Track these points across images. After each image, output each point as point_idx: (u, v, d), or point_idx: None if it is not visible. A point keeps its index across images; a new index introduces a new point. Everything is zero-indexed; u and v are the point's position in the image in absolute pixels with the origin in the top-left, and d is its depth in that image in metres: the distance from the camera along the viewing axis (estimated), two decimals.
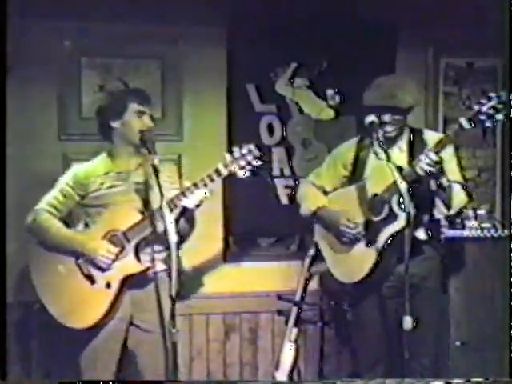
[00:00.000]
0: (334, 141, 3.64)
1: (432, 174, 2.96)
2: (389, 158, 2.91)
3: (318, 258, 3.48)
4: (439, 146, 2.95)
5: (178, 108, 3.99)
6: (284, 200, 4.09)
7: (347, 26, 4.06)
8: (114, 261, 2.93)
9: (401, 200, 3.03)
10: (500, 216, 4.29)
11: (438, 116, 4.30)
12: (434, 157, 2.92)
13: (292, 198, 3.85)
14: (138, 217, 2.94)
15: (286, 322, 3.76)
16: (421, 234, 3.17)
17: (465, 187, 3.20)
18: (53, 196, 3.07)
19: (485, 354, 3.70)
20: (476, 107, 2.89)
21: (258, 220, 4.05)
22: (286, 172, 4.13)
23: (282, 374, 3.68)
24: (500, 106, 2.85)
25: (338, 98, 4.14)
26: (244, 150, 2.88)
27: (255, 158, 2.87)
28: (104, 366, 3.02)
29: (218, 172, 2.87)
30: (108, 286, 2.93)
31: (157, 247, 3.01)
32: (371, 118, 3.10)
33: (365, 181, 3.23)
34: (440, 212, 3.17)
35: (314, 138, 4.16)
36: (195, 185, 2.87)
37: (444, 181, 3.03)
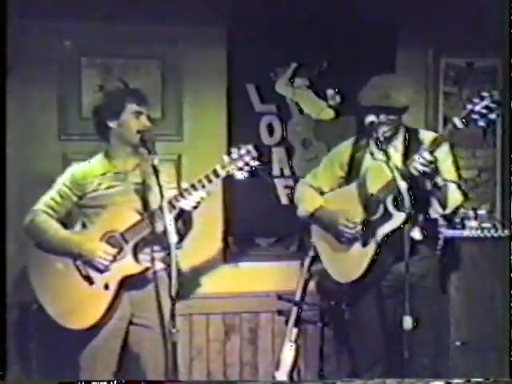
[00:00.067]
0: (334, 141, 3.63)
1: (426, 174, 2.96)
2: (389, 158, 2.92)
3: (317, 258, 3.49)
4: (433, 145, 2.96)
5: (178, 108, 3.99)
6: (284, 200, 4.09)
7: (347, 26, 4.06)
8: (112, 262, 2.93)
9: (396, 199, 3.07)
10: (500, 216, 4.29)
11: (438, 116, 4.30)
12: (429, 156, 2.93)
13: (292, 198, 3.85)
14: (136, 217, 2.93)
15: (286, 322, 3.76)
16: (416, 234, 3.18)
17: (460, 186, 3.21)
18: (50, 197, 3.06)
19: (485, 354, 3.70)
20: (469, 106, 2.90)
21: (258, 220, 4.05)
22: (286, 172, 4.13)
23: (282, 374, 3.69)
24: (493, 106, 2.85)
25: (338, 98, 4.15)
26: (242, 151, 2.87)
27: (253, 158, 2.87)
28: (104, 366, 3.02)
29: (215, 173, 2.87)
30: (106, 287, 2.93)
31: (156, 247, 3.00)
32: (371, 118, 3.11)
33: (360, 180, 3.24)
34: (435, 211, 3.17)
35: (314, 137, 4.16)
36: (193, 186, 2.87)
37: (439, 180, 3.03)
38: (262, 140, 4.08)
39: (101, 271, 2.93)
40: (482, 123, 2.89)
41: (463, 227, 3.89)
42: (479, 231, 3.83)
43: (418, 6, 3.99)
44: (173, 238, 2.62)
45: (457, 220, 3.95)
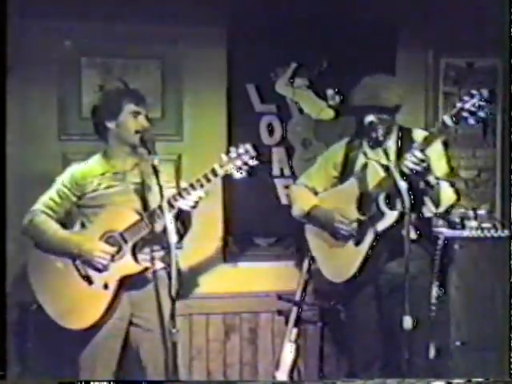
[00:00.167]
0: (334, 141, 3.63)
1: (418, 172, 2.97)
2: (389, 158, 2.92)
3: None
4: (424, 143, 2.96)
5: (178, 108, 3.99)
6: (284, 200, 4.09)
7: (347, 26, 4.06)
8: (111, 261, 2.93)
9: (388, 198, 3.08)
10: (500, 216, 4.29)
11: (438, 116, 4.30)
12: (420, 154, 2.93)
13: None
14: (135, 217, 2.93)
15: (286, 322, 3.76)
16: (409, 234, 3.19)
17: (453, 184, 3.22)
18: (49, 197, 3.06)
19: (485, 354, 3.70)
20: (459, 104, 2.91)
21: (258, 220, 4.05)
22: (286, 172, 4.13)
23: (282, 374, 3.69)
24: (482, 103, 2.86)
25: (337, 98, 4.15)
26: (240, 150, 2.87)
27: (252, 157, 2.87)
28: (104, 366, 3.02)
29: (214, 172, 2.87)
30: (106, 286, 2.93)
31: (156, 247, 3.01)
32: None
33: (353, 180, 3.25)
34: (429, 210, 3.18)
35: (314, 137, 4.16)
36: (191, 185, 2.87)
37: (431, 179, 3.03)
38: (262, 140, 4.08)
39: (100, 270, 2.93)
40: (471, 121, 2.90)
41: (463, 227, 3.88)
42: (479, 231, 3.83)
43: (418, 6, 3.99)
44: (173, 237, 2.62)
45: (457, 220, 3.95)
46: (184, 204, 2.86)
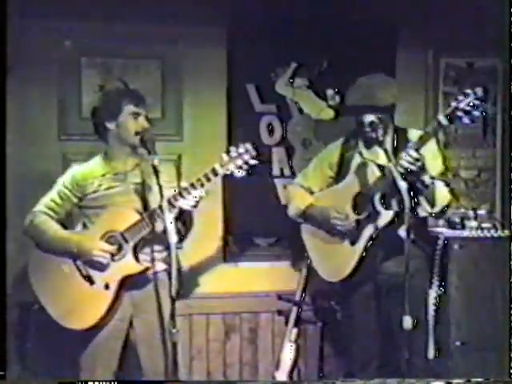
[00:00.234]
0: (334, 141, 3.63)
1: (413, 172, 2.96)
2: (389, 158, 2.93)
3: None
4: (419, 142, 2.97)
5: (178, 108, 3.99)
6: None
7: (347, 26, 4.06)
8: (111, 260, 2.93)
9: (383, 197, 3.09)
10: (500, 216, 4.29)
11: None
12: (415, 154, 2.94)
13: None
14: (136, 217, 2.93)
15: (286, 322, 3.77)
16: (405, 233, 3.19)
17: (448, 184, 3.22)
18: (50, 198, 3.07)
19: (485, 354, 3.70)
20: (453, 104, 2.92)
21: (258, 220, 4.05)
22: (286, 172, 4.13)
23: (282, 374, 3.70)
24: (477, 103, 2.87)
25: (337, 98, 4.14)
26: (241, 150, 2.87)
27: (252, 157, 2.87)
28: (105, 366, 3.02)
29: (214, 172, 2.87)
30: (107, 286, 2.93)
31: (156, 247, 3.01)
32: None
33: (349, 180, 3.26)
34: (424, 210, 3.18)
35: (314, 137, 4.16)
36: (192, 185, 2.87)
37: (426, 178, 3.03)
38: (262, 140, 4.08)
39: (100, 270, 2.93)
40: (466, 120, 2.91)
41: (463, 227, 3.88)
42: (479, 231, 3.83)
43: (418, 6, 3.99)
44: (173, 237, 2.62)
45: (457, 220, 3.95)
46: (185, 203, 2.86)
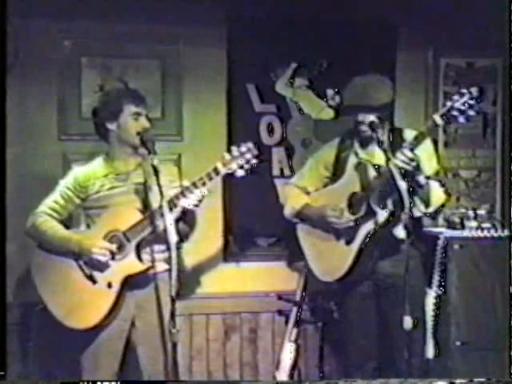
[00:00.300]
0: None
1: (408, 171, 2.96)
2: (389, 158, 2.93)
3: None
4: (414, 142, 2.97)
5: (178, 108, 3.99)
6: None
7: (347, 26, 4.06)
8: (112, 259, 2.92)
9: (379, 197, 3.09)
10: (500, 216, 4.29)
11: None
12: (409, 153, 2.93)
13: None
14: (138, 217, 2.94)
15: (286, 322, 3.77)
16: (400, 233, 3.19)
17: (443, 184, 3.22)
18: (53, 199, 3.07)
19: (485, 353, 3.70)
20: (449, 103, 2.92)
21: (258, 220, 4.05)
22: (286, 172, 4.12)
23: (282, 374, 3.70)
24: (472, 102, 2.87)
25: (337, 98, 4.14)
26: (243, 149, 2.87)
27: (254, 156, 2.87)
28: (106, 366, 3.02)
29: (216, 171, 2.87)
30: (109, 286, 2.93)
31: (160, 247, 3.00)
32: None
33: (345, 179, 3.27)
34: (418, 209, 3.18)
35: (314, 137, 4.16)
36: (194, 184, 2.87)
37: (421, 178, 3.03)
38: (262, 140, 4.07)
39: (101, 270, 2.93)
40: (461, 119, 2.91)
41: (463, 227, 3.88)
42: (479, 231, 3.82)
43: (418, 6, 3.99)
44: (173, 237, 2.62)
45: (457, 220, 3.95)
46: (187, 203, 2.86)
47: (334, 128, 4.09)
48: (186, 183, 2.90)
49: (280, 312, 3.92)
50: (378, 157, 3.16)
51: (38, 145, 3.79)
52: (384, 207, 3.12)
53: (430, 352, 3.66)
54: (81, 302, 2.95)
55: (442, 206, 3.23)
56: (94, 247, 2.91)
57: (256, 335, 4.09)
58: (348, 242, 3.22)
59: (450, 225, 3.95)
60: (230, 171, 2.87)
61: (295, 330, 3.74)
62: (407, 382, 2.83)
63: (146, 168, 3.02)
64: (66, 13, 3.69)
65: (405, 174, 2.94)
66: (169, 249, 2.64)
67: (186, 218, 2.98)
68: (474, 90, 2.88)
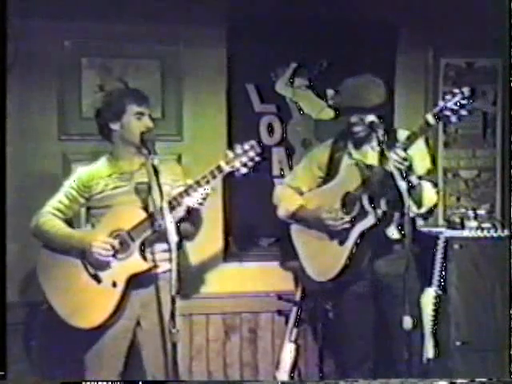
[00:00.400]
0: None
1: (400, 171, 2.96)
2: (384, 157, 2.93)
3: None
4: (407, 142, 2.97)
5: (178, 108, 3.99)
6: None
7: (347, 26, 4.06)
8: (115, 256, 2.92)
9: (371, 197, 3.10)
10: (500, 216, 4.30)
11: None
12: (402, 153, 2.93)
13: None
14: (143, 216, 2.94)
15: (286, 322, 3.77)
16: (393, 233, 3.20)
17: (436, 184, 3.23)
18: (58, 199, 3.08)
19: (485, 354, 3.70)
20: (441, 103, 2.93)
21: (258, 220, 4.04)
22: (286, 172, 4.12)
23: (282, 374, 3.70)
24: (464, 102, 2.88)
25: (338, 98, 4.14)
26: (246, 147, 2.87)
27: (257, 154, 2.87)
28: (111, 366, 3.02)
29: (219, 169, 2.86)
30: (114, 285, 2.93)
31: (164, 246, 2.99)
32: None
33: (338, 180, 3.28)
34: (410, 210, 3.18)
35: (314, 137, 4.15)
36: (198, 183, 2.87)
37: (413, 178, 3.03)
38: (262, 140, 4.07)
39: (105, 267, 2.93)
40: (454, 119, 2.92)
41: (463, 227, 3.88)
42: (479, 231, 3.82)
43: (418, 6, 3.99)
44: (173, 237, 2.62)
45: (457, 220, 3.95)
46: (191, 201, 2.86)
47: (334, 128, 4.07)
48: (190, 181, 2.90)
49: (280, 312, 3.92)
50: (372, 157, 3.19)
51: (38, 145, 3.79)
52: (377, 207, 3.13)
53: (430, 352, 3.66)
54: (85, 301, 2.95)
55: (434, 206, 3.24)
56: (96, 241, 2.91)
57: (256, 335, 4.10)
58: (341, 242, 3.22)
59: (450, 225, 3.95)
60: (233, 169, 2.87)
61: (295, 330, 3.74)
62: (407, 382, 2.83)
63: (149, 168, 3.02)
64: (66, 13, 3.69)
65: (398, 174, 2.94)
66: (170, 249, 2.64)
67: (191, 217, 2.97)
68: (466, 90, 2.89)
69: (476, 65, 4.34)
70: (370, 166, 3.15)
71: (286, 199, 3.48)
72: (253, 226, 4.08)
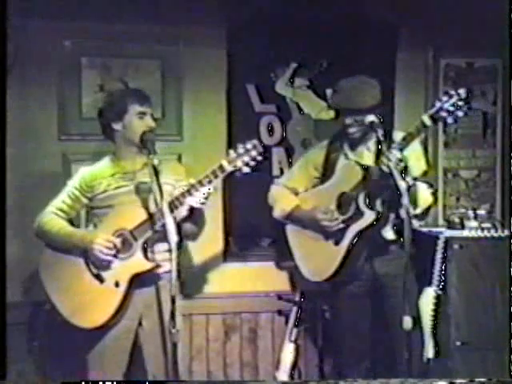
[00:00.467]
0: None
1: (396, 172, 2.96)
2: (388, 159, 2.93)
3: None
4: (403, 143, 2.98)
5: (178, 108, 3.99)
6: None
7: (347, 26, 4.06)
8: (116, 256, 2.92)
9: (367, 198, 3.11)
10: (500, 216, 4.30)
11: None
12: (398, 154, 2.94)
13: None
14: (145, 215, 2.93)
15: (286, 322, 3.77)
16: (388, 234, 3.20)
17: (431, 185, 3.23)
18: (61, 200, 3.08)
19: (485, 353, 3.70)
20: (438, 104, 2.94)
21: (258, 220, 4.04)
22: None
23: (282, 374, 3.70)
24: (460, 103, 2.89)
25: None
26: (248, 146, 2.87)
27: (259, 153, 2.86)
28: (114, 366, 3.01)
29: (221, 168, 2.86)
30: (117, 285, 2.93)
31: (166, 246, 2.99)
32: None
33: (334, 180, 3.28)
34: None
35: (314, 137, 4.15)
36: (200, 182, 2.86)
37: (408, 179, 3.03)
38: (262, 140, 4.07)
39: (107, 266, 2.92)
40: (450, 120, 2.94)
41: (463, 227, 3.88)
42: (479, 231, 3.82)
43: (418, 6, 3.99)
44: (173, 237, 2.62)
45: (457, 220, 3.95)
46: (193, 201, 2.86)
47: (334, 128, 4.09)
48: (192, 181, 2.90)
49: (280, 312, 3.92)
50: (368, 158, 3.20)
51: (38, 145, 3.79)
52: (373, 208, 3.13)
53: (430, 352, 3.66)
54: (88, 301, 2.94)
55: (429, 207, 3.24)
56: (97, 239, 2.91)
57: (256, 335, 4.10)
58: (337, 242, 3.22)
59: (450, 225, 3.95)
60: (235, 169, 2.86)
61: (295, 330, 3.74)
62: (407, 382, 2.83)
63: (151, 167, 3.02)
64: (66, 13, 3.69)
65: (394, 174, 2.95)
66: (170, 249, 2.64)
67: (194, 217, 2.97)
68: (462, 92, 2.90)
69: (476, 65, 4.34)
70: (365, 167, 3.15)
71: (282, 199, 3.49)
72: (253, 226, 4.07)
